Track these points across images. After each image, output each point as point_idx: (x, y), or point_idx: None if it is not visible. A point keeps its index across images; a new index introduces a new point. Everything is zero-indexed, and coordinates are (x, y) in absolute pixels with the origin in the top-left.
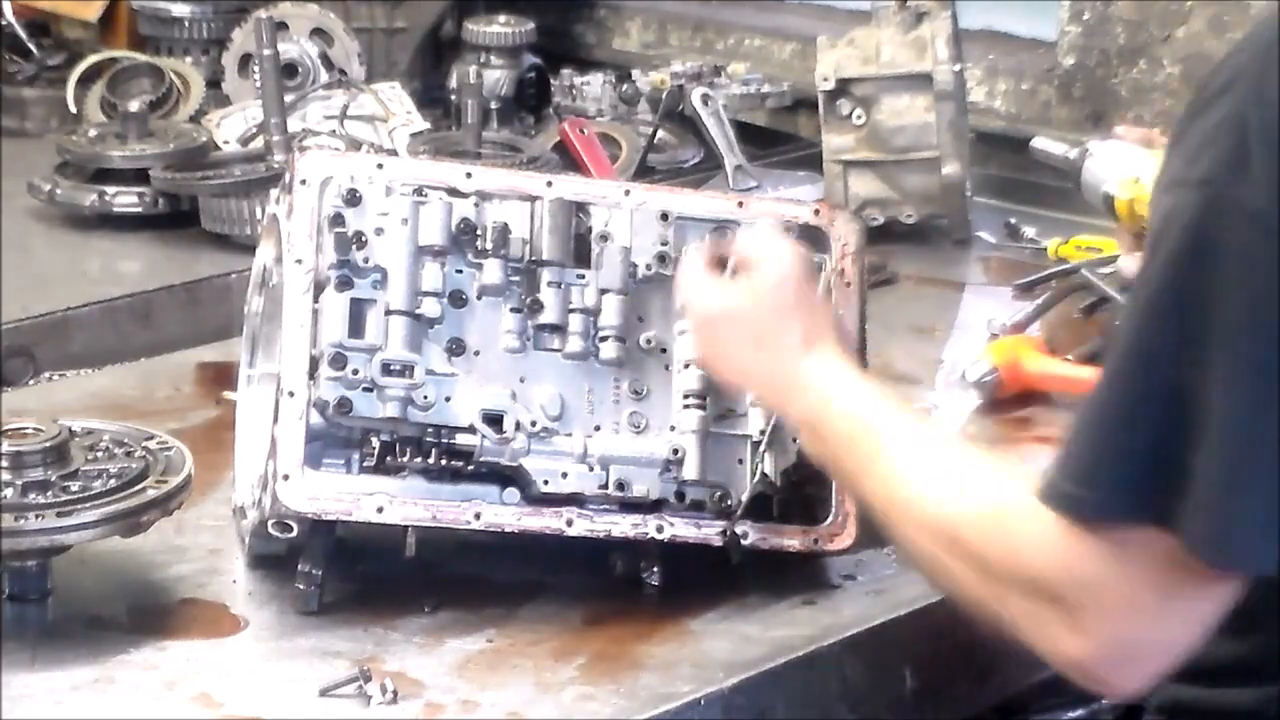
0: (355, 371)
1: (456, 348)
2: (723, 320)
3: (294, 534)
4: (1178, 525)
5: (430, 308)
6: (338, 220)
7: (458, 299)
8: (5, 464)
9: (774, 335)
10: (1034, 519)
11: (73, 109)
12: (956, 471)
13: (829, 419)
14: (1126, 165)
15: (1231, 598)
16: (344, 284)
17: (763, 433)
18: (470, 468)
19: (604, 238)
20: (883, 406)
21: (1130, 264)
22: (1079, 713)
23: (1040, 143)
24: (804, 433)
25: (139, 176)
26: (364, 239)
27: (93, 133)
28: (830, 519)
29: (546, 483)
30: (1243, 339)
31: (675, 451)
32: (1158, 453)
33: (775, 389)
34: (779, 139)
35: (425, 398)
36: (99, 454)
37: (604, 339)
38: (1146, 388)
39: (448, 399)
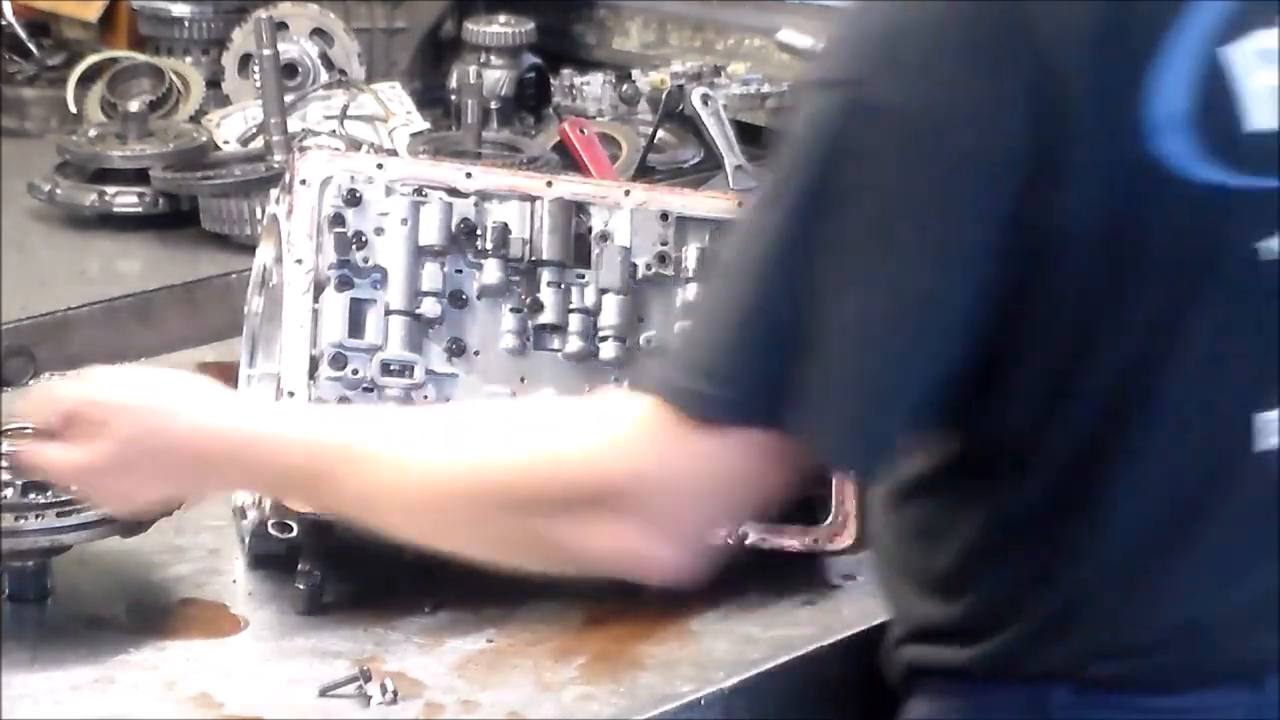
0: (355, 371)
1: (456, 348)
2: (107, 474)
3: (294, 534)
4: (789, 425)
5: (430, 308)
6: (338, 220)
7: (458, 299)
8: (5, 464)
9: (164, 459)
10: (613, 424)
11: (73, 109)
12: (480, 429)
13: (283, 466)
14: None
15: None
16: (344, 284)
17: None
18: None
19: (604, 238)
20: (335, 418)
21: None
22: None
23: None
24: (282, 496)
25: (139, 176)
26: (364, 239)
27: (93, 133)
28: (830, 519)
29: None
30: (870, 243)
31: None
32: (777, 353)
33: (214, 482)
34: (779, 139)
35: (425, 398)
36: None
37: (604, 339)
38: (772, 286)
39: (447, 399)
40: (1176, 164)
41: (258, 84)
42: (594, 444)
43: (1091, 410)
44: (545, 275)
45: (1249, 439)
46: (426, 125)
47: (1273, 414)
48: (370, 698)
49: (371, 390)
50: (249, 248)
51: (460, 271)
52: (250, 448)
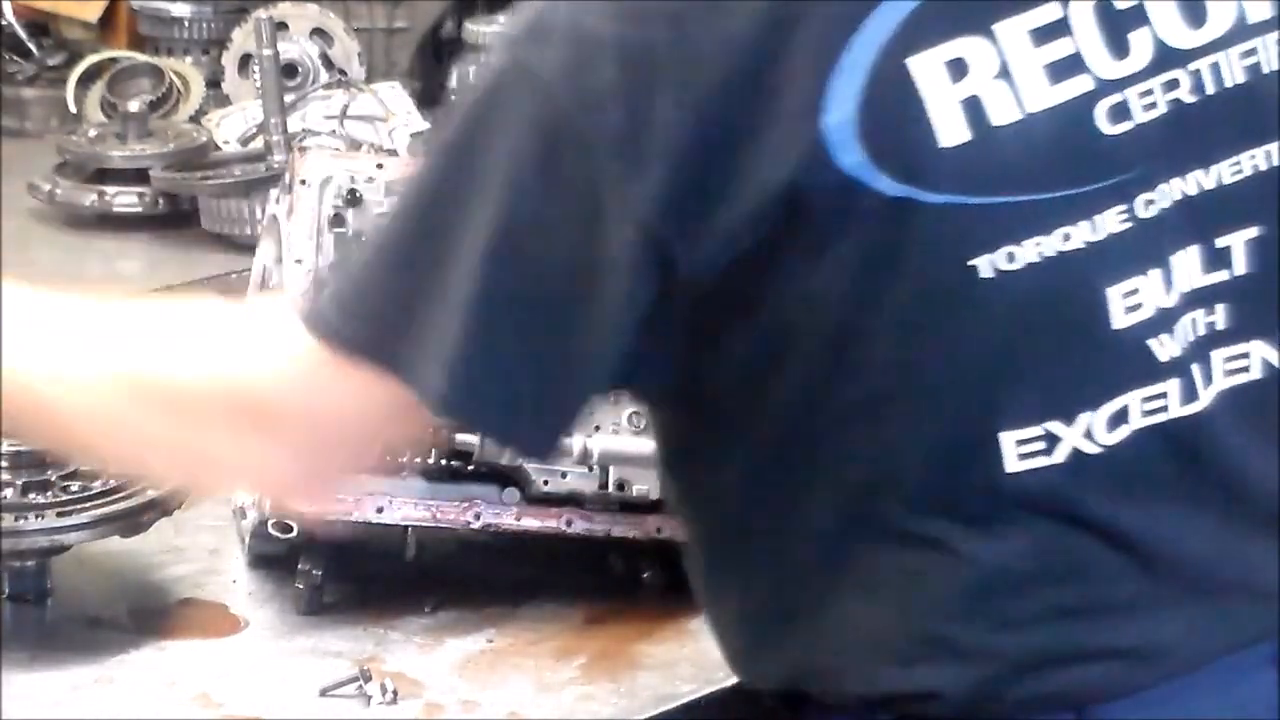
0: None
1: None
2: None
3: (294, 534)
4: (407, 374)
5: None
6: (338, 220)
7: None
8: (5, 464)
9: None
10: (272, 343)
11: (73, 109)
12: (153, 322)
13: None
14: None
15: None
16: None
17: None
18: (470, 468)
19: None
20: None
21: None
22: None
23: None
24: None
25: (139, 176)
26: (364, 239)
27: (93, 133)
28: None
29: (546, 483)
30: (497, 204)
31: None
32: (408, 299)
33: None
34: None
35: None
36: None
37: None
38: (415, 231)
39: None
40: (858, 176)
41: (258, 84)
42: (251, 361)
43: (788, 420)
44: None
45: (997, 461)
46: (426, 125)
47: (1019, 434)
48: (370, 698)
49: None
50: (249, 248)
51: None
52: None
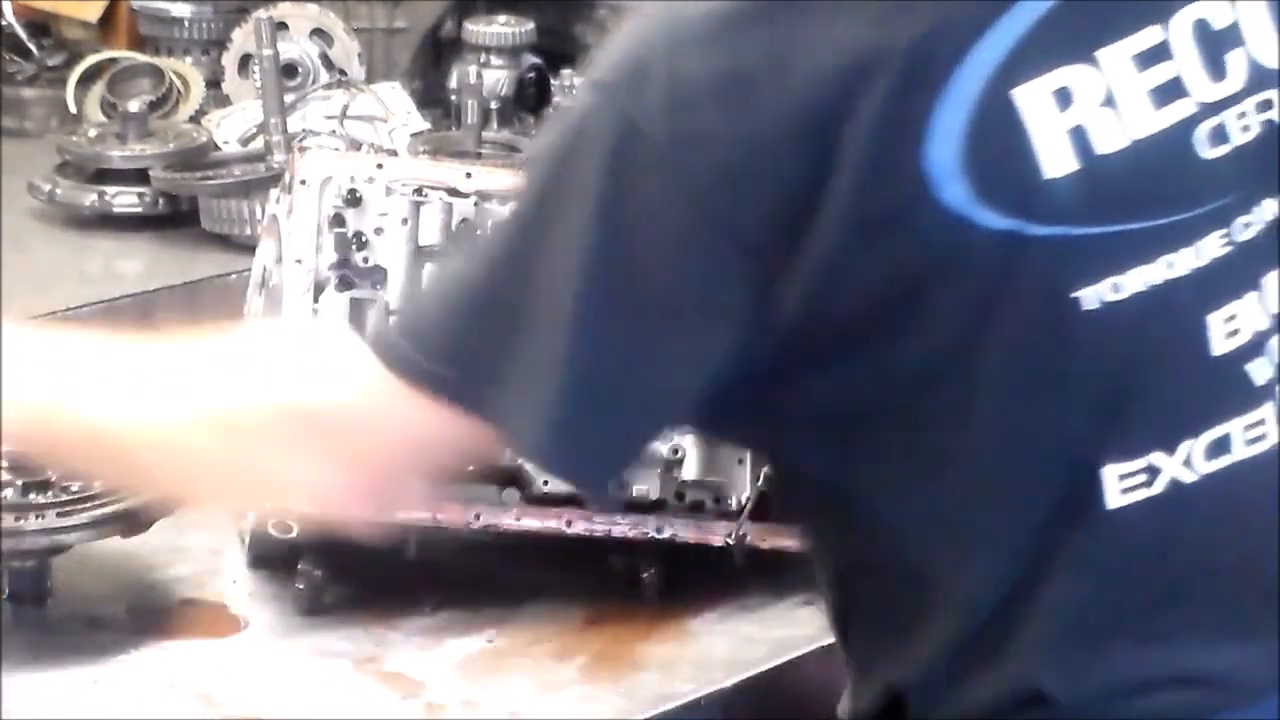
0: None
1: None
2: None
3: (294, 534)
4: (500, 419)
5: None
6: (338, 220)
7: None
8: (5, 464)
9: None
10: (341, 370)
11: (73, 109)
12: (208, 349)
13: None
14: None
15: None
16: (344, 284)
17: None
18: (470, 468)
19: None
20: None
21: None
22: None
23: None
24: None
25: (139, 176)
26: (364, 239)
27: (93, 133)
28: None
29: (546, 483)
30: (588, 249)
31: (675, 451)
32: (496, 341)
33: None
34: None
35: None
36: None
37: None
38: (504, 271)
39: None
40: (962, 212)
41: (258, 84)
42: (321, 388)
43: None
44: None
45: (1099, 497)
46: (426, 125)
47: (1123, 468)
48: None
49: None
50: (249, 248)
51: None
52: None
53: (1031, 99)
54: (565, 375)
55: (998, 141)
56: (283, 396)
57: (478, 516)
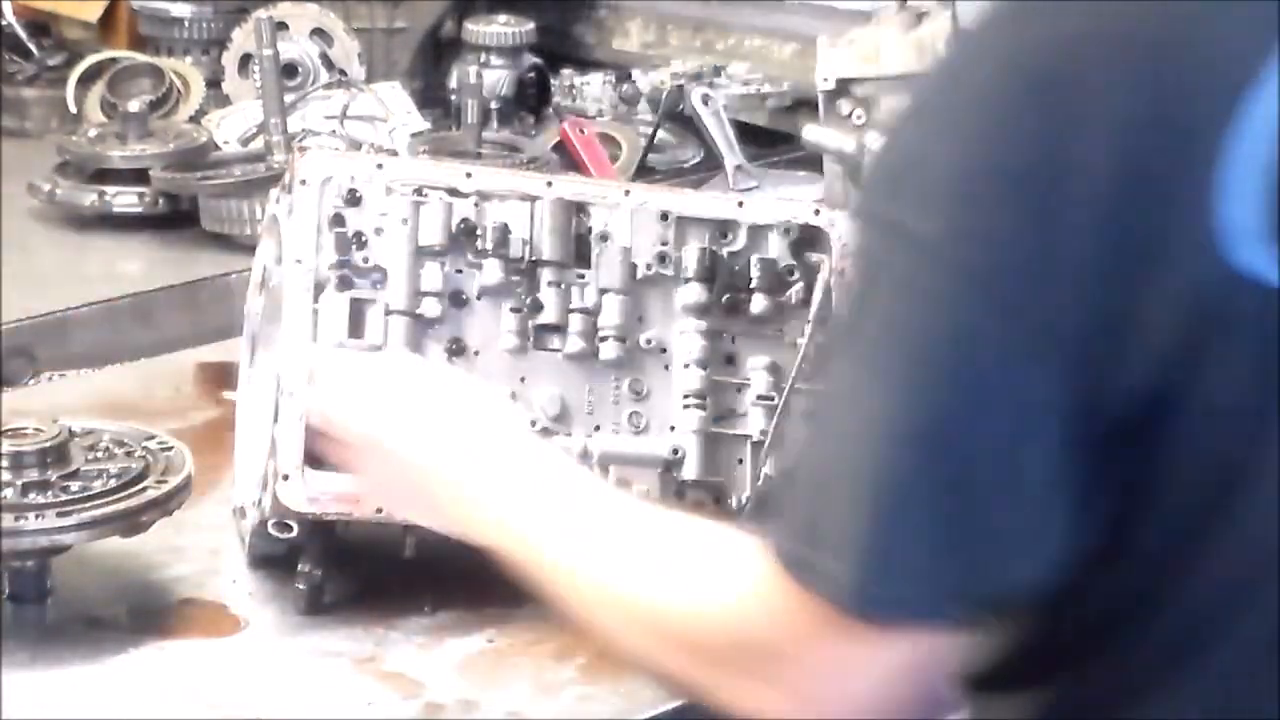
0: None
1: (457, 348)
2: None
3: (294, 534)
4: (817, 578)
5: (430, 308)
6: (338, 220)
7: (458, 299)
8: (5, 464)
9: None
10: (740, 579)
11: (73, 109)
12: (655, 551)
13: (516, 543)
14: None
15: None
16: (344, 284)
17: (764, 433)
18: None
19: (604, 238)
20: (566, 503)
21: None
22: None
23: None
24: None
25: (139, 176)
26: (364, 239)
27: (93, 133)
28: None
29: None
30: (896, 380)
31: (675, 451)
32: (810, 507)
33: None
34: (779, 139)
35: None
36: (99, 454)
37: (604, 339)
38: (837, 435)
39: None
40: (1262, 276)
41: (258, 84)
42: (744, 614)
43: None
44: (545, 275)
45: None
46: (426, 125)
47: None
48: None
49: None
50: (249, 248)
51: (460, 271)
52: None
53: None
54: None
55: None
56: (711, 610)
57: None
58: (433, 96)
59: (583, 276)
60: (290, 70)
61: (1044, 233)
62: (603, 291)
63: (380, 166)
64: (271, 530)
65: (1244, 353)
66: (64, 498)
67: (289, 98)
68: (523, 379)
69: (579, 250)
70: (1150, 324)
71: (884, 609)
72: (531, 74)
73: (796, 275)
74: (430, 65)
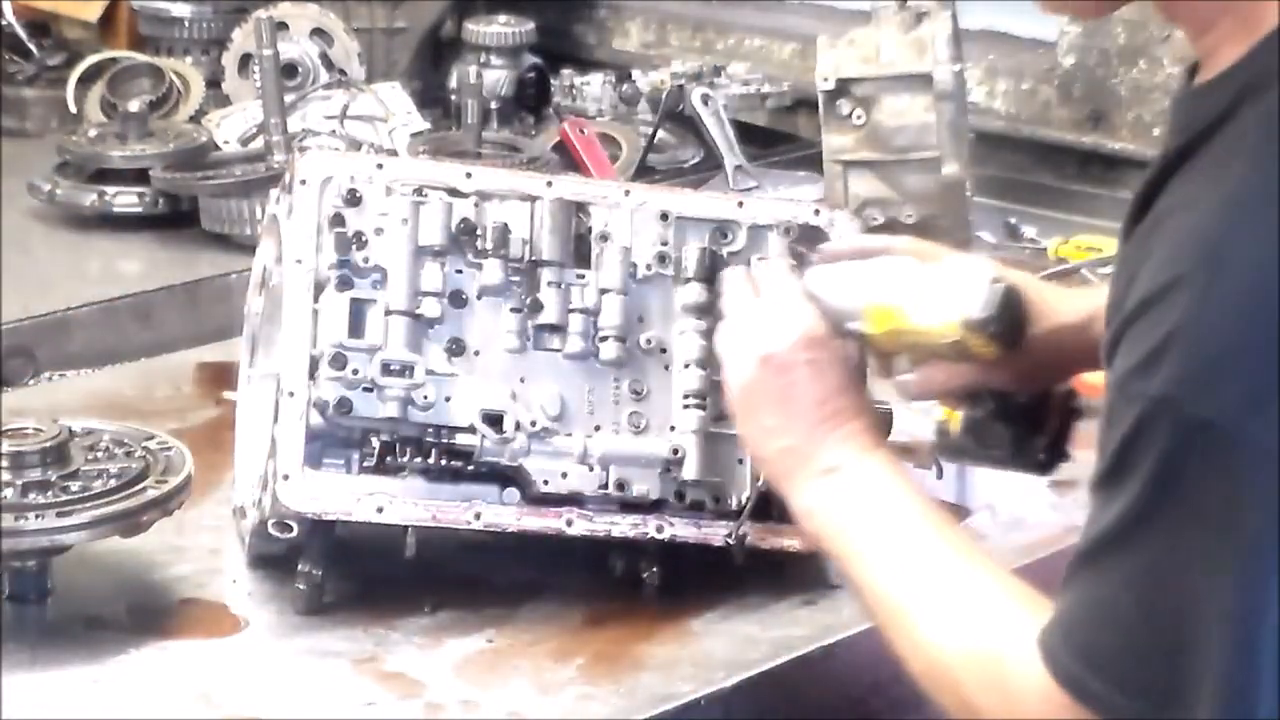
0: (355, 371)
1: (456, 348)
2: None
3: (294, 534)
4: None
5: (430, 308)
6: (338, 220)
7: (458, 299)
8: (5, 464)
9: (803, 398)
10: (1029, 672)
11: (73, 109)
12: (966, 602)
13: (847, 495)
14: (863, 291)
15: None
16: (344, 284)
17: None
18: (470, 468)
19: (604, 238)
20: (900, 510)
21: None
22: None
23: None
24: (807, 518)
25: (139, 176)
26: (364, 239)
27: (93, 133)
28: None
29: (546, 483)
30: (1234, 562)
31: (675, 451)
32: (1156, 668)
33: (789, 462)
34: (779, 139)
35: (425, 398)
36: (99, 454)
37: (604, 339)
38: (1147, 597)
39: (448, 399)
40: None
41: (258, 84)
42: (1008, 679)
43: None
44: (545, 275)
45: None
46: (426, 125)
47: None
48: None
49: (371, 390)
50: (249, 248)
51: (460, 271)
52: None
53: None
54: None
55: None
56: (979, 659)
57: (478, 516)
58: (433, 96)
59: (583, 276)
60: (290, 70)
61: None
62: (603, 291)
63: (380, 166)
64: (271, 530)
65: None
66: (64, 498)
67: (289, 98)
68: (523, 379)
69: (579, 250)
70: None
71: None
72: (531, 74)
73: None
74: (430, 65)
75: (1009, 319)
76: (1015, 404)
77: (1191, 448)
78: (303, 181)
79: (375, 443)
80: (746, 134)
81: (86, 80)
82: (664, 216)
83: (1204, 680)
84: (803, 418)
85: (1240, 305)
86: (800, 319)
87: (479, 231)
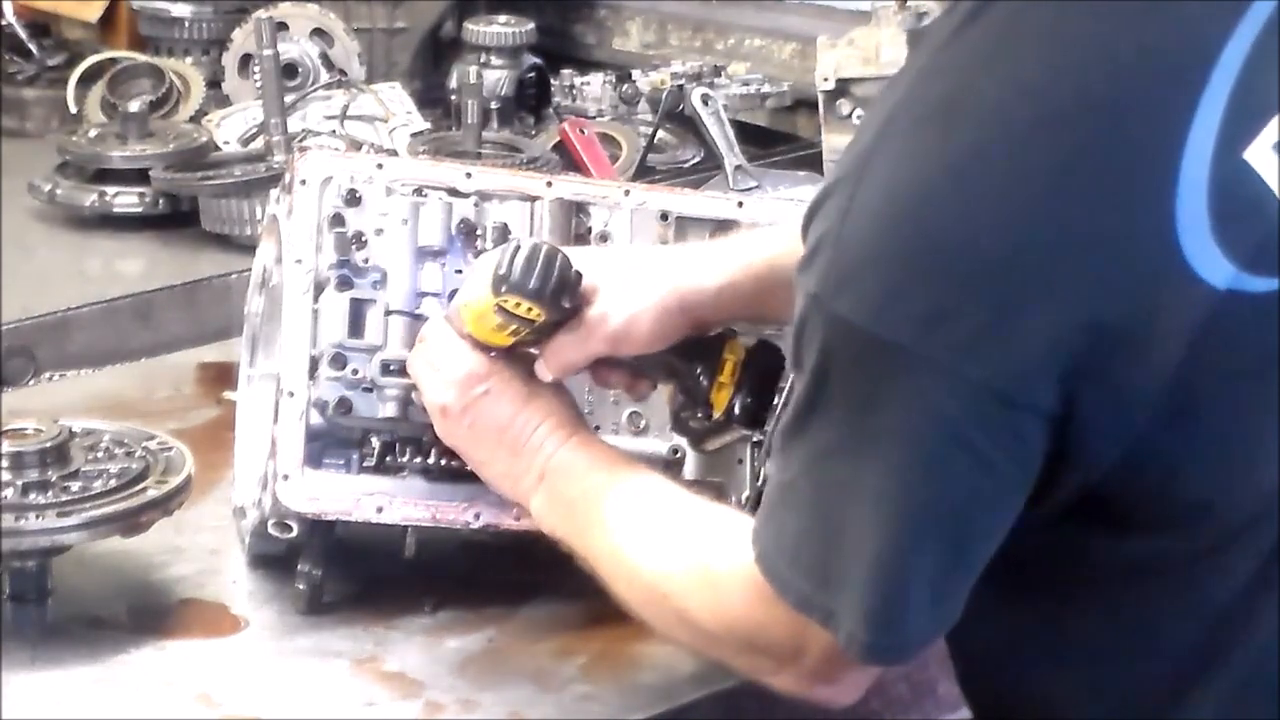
0: (355, 371)
1: None
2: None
3: (294, 534)
4: (834, 625)
5: (430, 308)
6: (338, 220)
7: None
8: (5, 464)
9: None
10: (734, 565)
11: (73, 109)
12: (668, 527)
13: (556, 491)
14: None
15: None
16: (344, 284)
17: (764, 433)
18: (470, 468)
19: (604, 238)
20: (604, 476)
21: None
22: None
23: None
24: (540, 523)
25: (139, 176)
26: (364, 239)
27: (93, 133)
28: None
29: None
30: (879, 448)
31: (675, 451)
32: (817, 549)
33: (508, 485)
34: (779, 139)
35: None
36: (99, 454)
37: None
38: (813, 480)
39: None
40: (1210, 277)
41: (258, 84)
42: (750, 618)
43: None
44: None
45: None
46: (426, 125)
47: None
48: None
49: (371, 390)
50: (249, 248)
51: (460, 271)
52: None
53: (1261, 157)
54: (883, 576)
55: (1243, 205)
56: (685, 569)
57: (478, 516)
58: (433, 96)
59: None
60: (290, 70)
61: (1011, 303)
62: None
63: (380, 166)
64: (271, 530)
65: (1183, 352)
66: (64, 498)
67: (289, 98)
68: None
69: None
70: (1126, 350)
71: (888, 655)
72: (531, 74)
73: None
74: (430, 65)
75: (529, 273)
76: (682, 367)
77: (836, 342)
78: (303, 181)
79: (375, 443)
80: (746, 134)
81: (87, 80)
82: (664, 216)
83: (854, 561)
84: (497, 447)
85: (875, 212)
86: (454, 363)
87: (479, 231)
